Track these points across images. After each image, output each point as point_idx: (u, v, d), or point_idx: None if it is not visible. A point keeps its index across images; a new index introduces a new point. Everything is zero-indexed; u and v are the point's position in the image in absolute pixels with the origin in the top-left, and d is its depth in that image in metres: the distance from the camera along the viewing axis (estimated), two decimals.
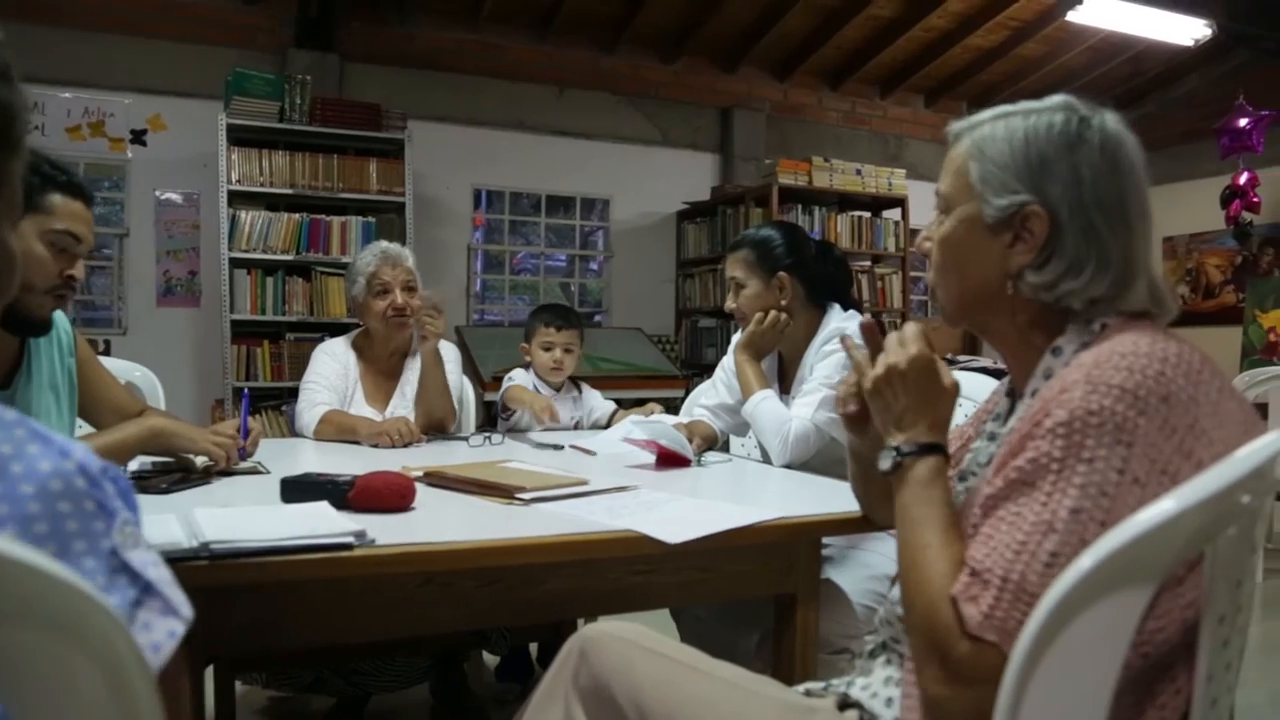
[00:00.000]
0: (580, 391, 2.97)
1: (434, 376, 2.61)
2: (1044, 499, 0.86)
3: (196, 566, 1.06)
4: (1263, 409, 4.27)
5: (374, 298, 2.64)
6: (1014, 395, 1.14)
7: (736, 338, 2.28)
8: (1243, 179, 6.75)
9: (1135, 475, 0.84)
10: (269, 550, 1.10)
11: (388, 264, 2.65)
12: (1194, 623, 0.85)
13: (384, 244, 2.71)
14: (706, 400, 2.41)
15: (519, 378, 2.89)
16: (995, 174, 1.03)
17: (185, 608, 0.69)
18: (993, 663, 0.83)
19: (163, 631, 0.67)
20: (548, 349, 2.85)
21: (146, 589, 0.67)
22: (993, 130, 1.05)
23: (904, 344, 1.09)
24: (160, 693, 0.62)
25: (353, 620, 1.25)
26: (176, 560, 1.01)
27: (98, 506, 0.66)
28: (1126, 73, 7.49)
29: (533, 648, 2.75)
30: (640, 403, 2.83)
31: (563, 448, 2.30)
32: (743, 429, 2.32)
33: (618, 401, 3.00)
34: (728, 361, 2.34)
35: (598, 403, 2.97)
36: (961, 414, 1.36)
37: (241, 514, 1.28)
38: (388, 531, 1.24)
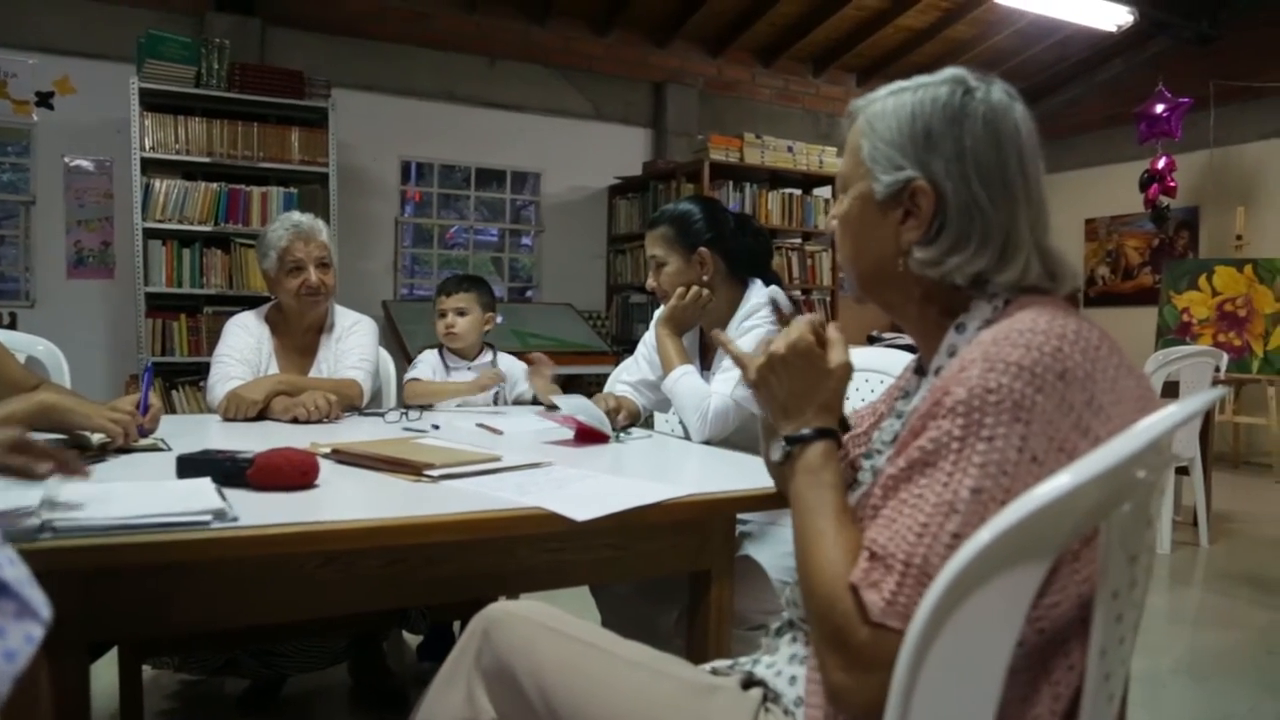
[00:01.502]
0: (494, 357, 2.95)
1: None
2: (945, 479, 0.86)
3: (70, 548, 1.01)
4: (1175, 387, 4.40)
5: (286, 275, 2.56)
6: (922, 372, 1.13)
7: (659, 313, 2.27)
8: (1160, 164, 6.94)
9: (1033, 453, 0.84)
10: (114, 528, 1.05)
11: (300, 239, 2.56)
12: (1090, 597, 0.85)
13: (296, 216, 2.63)
14: (628, 376, 2.39)
15: (425, 359, 2.89)
16: (883, 150, 1.02)
17: (44, 609, 0.65)
18: (895, 648, 0.83)
19: (18, 637, 0.62)
20: (441, 315, 2.88)
21: (2, 590, 0.63)
22: (884, 106, 1.04)
23: (787, 332, 1.10)
24: (12, 692, 0.58)
25: (251, 602, 1.20)
26: (20, 541, 0.96)
27: None
28: (1053, 57, 7.63)
29: (457, 626, 2.72)
30: (573, 379, 2.82)
31: (500, 433, 2.22)
32: (665, 404, 2.31)
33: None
34: (649, 337, 2.33)
35: (516, 371, 2.95)
36: (878, 390, 1.36)
37: (107, 490, 1.23)
38: (288, 510, 1.21)
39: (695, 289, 2.18)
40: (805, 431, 1.05)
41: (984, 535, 0.74)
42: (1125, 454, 0.74)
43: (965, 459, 0.85)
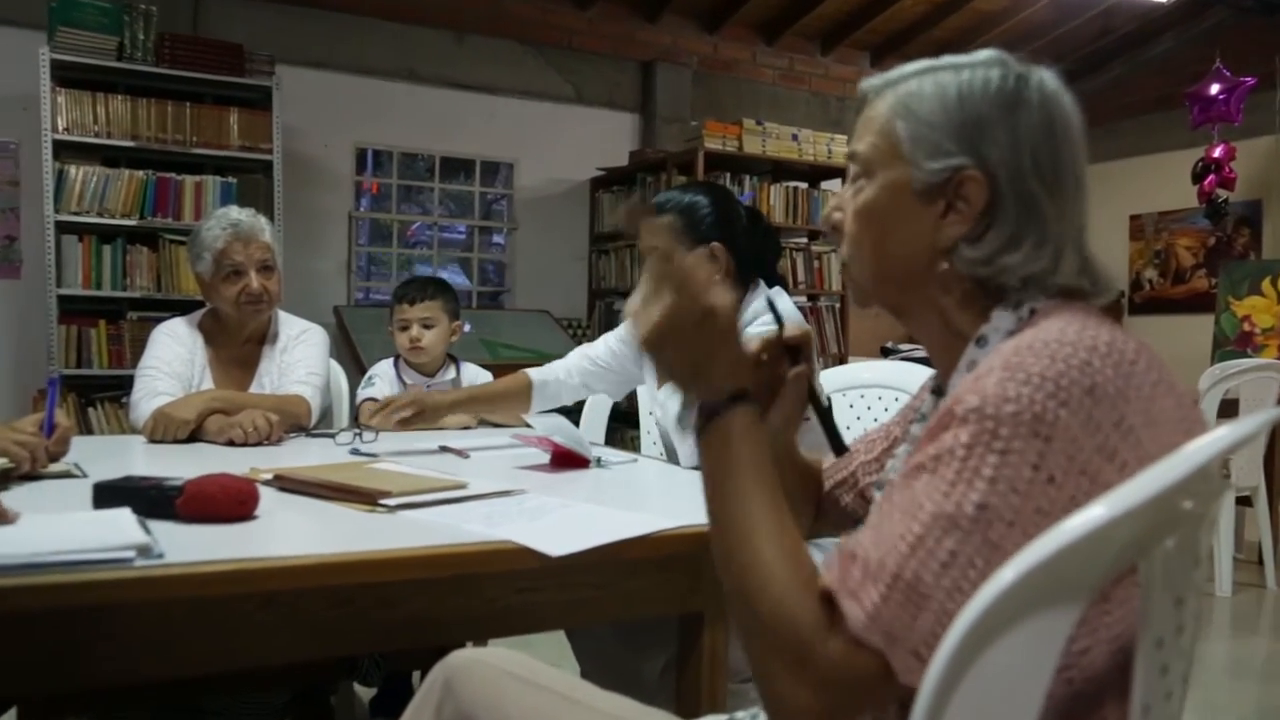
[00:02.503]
0: (458, 372, 2.96)
1: None
2: (946, 488, 0.86)
3: None
4: (1234, 406, 4.42)
5: (223, 280, 2.57)
6: (940, 393, 1.14)
7: None
8: (1217, 152, 6.96)
9: (1051, 473, 0.84)
10: (18, 567, 1.05)
11: (239, 240, 2.57)
12: (1125, 644, 0.85)
13: (234, 213, 2.63)
14: (595, 354, 2.50)
15: (380, 373, 2.90)
16: (928, 134, 1.03)
17: None
18: (869, 670, 0.83)
19: None
20: (404, 328, 2.88)
21: None
22: (920, 86, 1.05)
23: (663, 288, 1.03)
24: None
25: (179, 651, 1.20)
26: None
27: None
28: (1094, 31, 7.68)
29: (416, 677, 2.72)
30: None
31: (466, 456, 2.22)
32: (623, 387, 2.49)
33: None
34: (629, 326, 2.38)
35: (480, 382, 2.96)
36: (891, 409, 1.37)
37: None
38: (223, 544, 1.21)
39: None
40: (718, 399, 1.02)
41: (1008, 574, 0.74)
42: (1168, 482, 0.75)
43: (972, 470, 0.85)
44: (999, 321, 1.02)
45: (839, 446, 1.30)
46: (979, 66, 1.05)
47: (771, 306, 1.34)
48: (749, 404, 1.02)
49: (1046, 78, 1.05)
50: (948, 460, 0.87)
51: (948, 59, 1.07)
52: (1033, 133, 1.01)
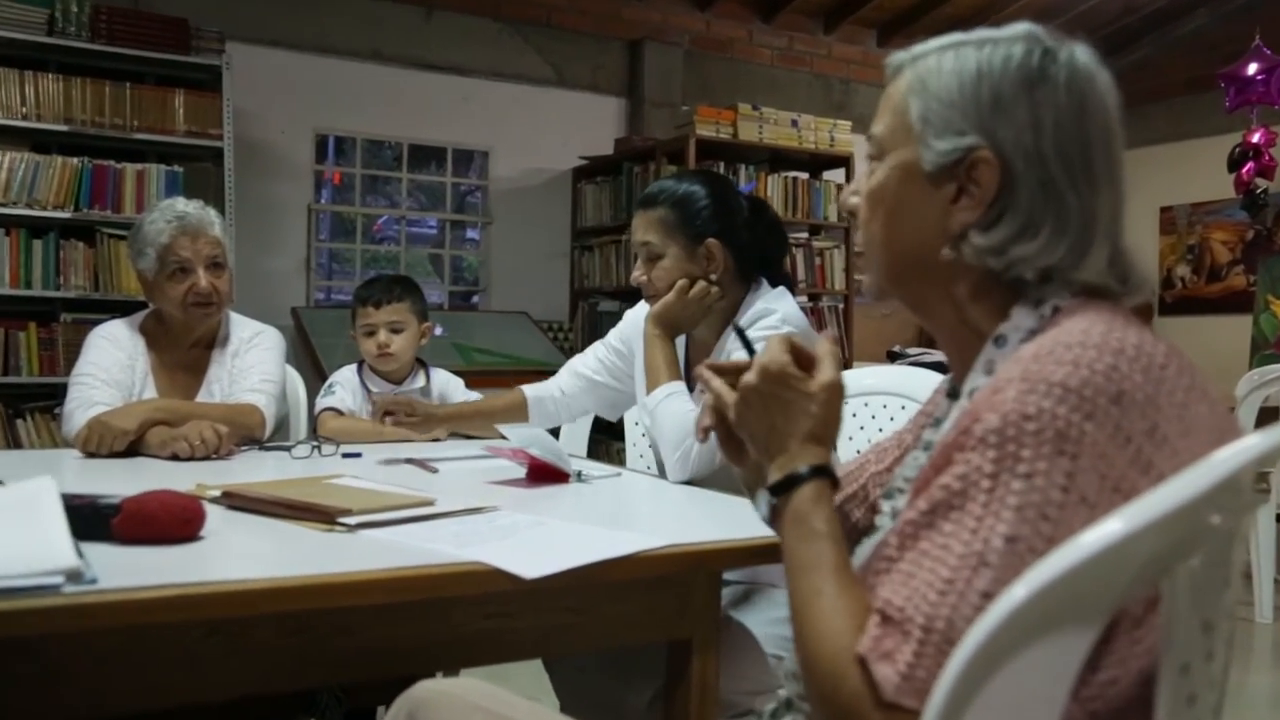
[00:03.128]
0: (428, 379, 2.96)
1: None
2: (973, 525, 0.87)
3: None
4: (1274, 414, 4.43)
5: (168, 279, 2.56)
6: (955, 395, 1.15)
7: (651, 309, 2.30)
8: (1256, 137, 6.95)
9: (1082, 493, 0.85)
10: None
11: (186, 234, 2.56)
12: (1154, 674, 0.86)
13: (180, 204, 2.63)
14: (585, 368, 2.50)
15: (343, 381, 2.89)
16: (939, 111, 1.05)
17: None
18: None
19: None
20: (370, 333, 2.88)
21: None
22: (939, 61, 1.07)
23: (759, 357, 1.14)
24: None
25: (116, 686, 1.19)
26: None
27: None
28: (1120, 8, 7.72)
29: (381, 712, 2.71)
30: None
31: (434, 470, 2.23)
32: (620, 407, 2.50)
33: None
34: (624, 327, 2.39)
35: (453, 390, 2.96)
36: (899, 417, 1.38)
37: None
38: (165, 568, 1.20)
39: (702, 284, 2.22)
40: (798, 470, 1.08)
41: (1018, 592, 0.75)
42: (1193, 494, 0.75)
43: (998, 500, 0.86)
44: (1019, 319, 1.03)
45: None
46: (1004, 42, 1.06)
47: (741, 335, 1.35)
48: (822, 478, 1.08)
49: (1079, 54, 1.06)
50: (971, 492, 0.88)
51: (978, 33, 1.08)
52: (1056, 113, 1.02)
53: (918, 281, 1.10)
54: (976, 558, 0.86)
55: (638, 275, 2.30)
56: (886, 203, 1.10)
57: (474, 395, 3.01)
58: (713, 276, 2.22)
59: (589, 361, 2.59)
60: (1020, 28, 1.07)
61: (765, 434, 1.11)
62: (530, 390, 2.63)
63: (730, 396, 1.16)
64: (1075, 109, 1.03)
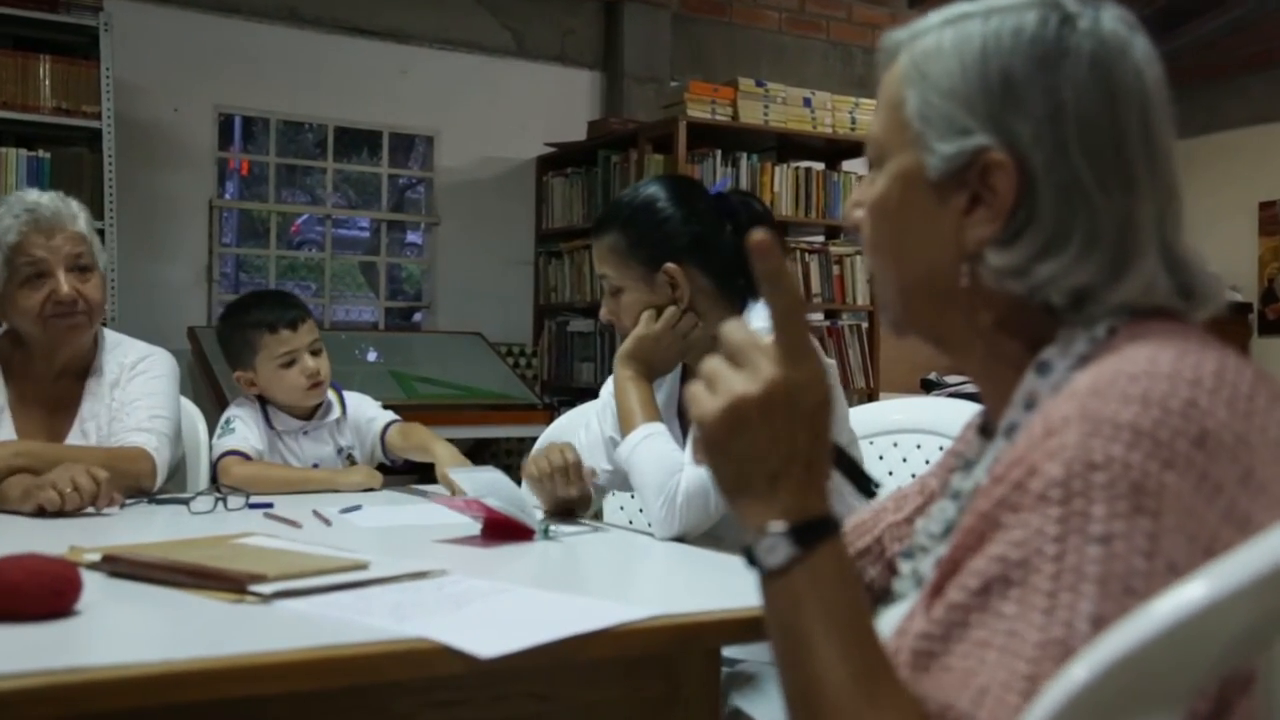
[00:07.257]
0: (344, 410, 2.94)
1: None
2: (1046, 604, 0.85)
3: None
4: None
5: (21, 287, 2.53)
6: (988, 433, 1.15)
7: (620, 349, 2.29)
8: None
9: (1169, 559, 0.83)
10: None
11: (39, 230, 2.53)
12: None
13: (33, 195, 2.61)
14: (583, 439, 2.44)
15: (243, 416, 2.84)
16: (939, 106, 1.04)
17: None
18: None
19: None
20: (288, 363, 2.80)
21: None
22: (938, 41, 1.06)
23: (747, 361, 0.97)
24: None
25: None
26: None
27: None
28: None
29: None
30: (482, 445, 2.83)
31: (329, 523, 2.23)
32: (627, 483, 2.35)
33: (451, 442, 2.94)
34: (612, 385, 2.37)
35: (366, 411, 2.97)
36: (935, 458, 1.37)
37: None
38: (29, 650, 1.19)
39: (671, 310, 2.22)
40: (809, 520, 0.96)
41: (1079, 673, 0.75)
42: None
43: (1072, 570, 0.85)
44: (1067, 342, 1.02)
45: (865, 485, 1.20)
46: (1014, 10, 1.04)
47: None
48: (836, 532, 0.97)
49: (1106, 18, 1.04)
50: (1035, 562, 0.86)
51: (986, 1, 1.06)
52: (1080, 95, 1.00)
53: (937, 311, 1.10)
54: (1061, 646, 0.83)
55: (604, 314, 2.33)
56: (889, 219, 1.09)
57: (388, 415, 3.00)
58: (682, 305, 2.23)
59: (597, 425, 2.45)
60: None
61: (773, 469, 0.97)
62: None
63: (707, 395, 1.00)
64: (1102, 89, 1.01)
